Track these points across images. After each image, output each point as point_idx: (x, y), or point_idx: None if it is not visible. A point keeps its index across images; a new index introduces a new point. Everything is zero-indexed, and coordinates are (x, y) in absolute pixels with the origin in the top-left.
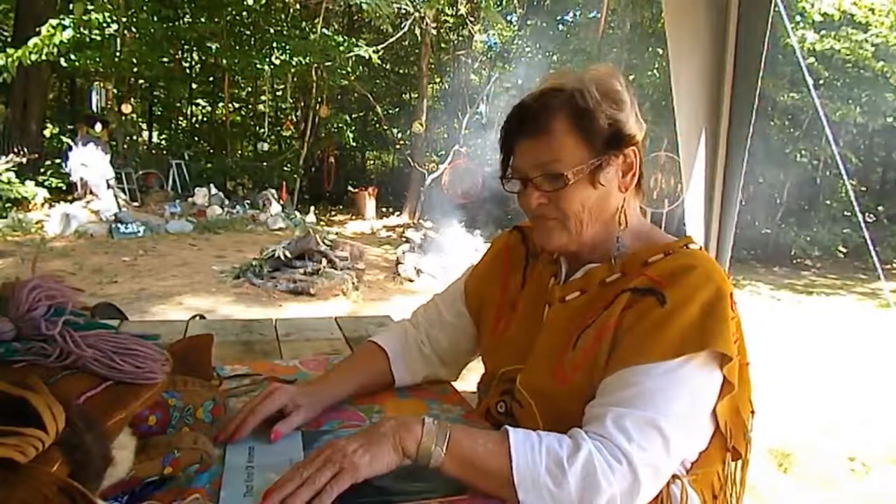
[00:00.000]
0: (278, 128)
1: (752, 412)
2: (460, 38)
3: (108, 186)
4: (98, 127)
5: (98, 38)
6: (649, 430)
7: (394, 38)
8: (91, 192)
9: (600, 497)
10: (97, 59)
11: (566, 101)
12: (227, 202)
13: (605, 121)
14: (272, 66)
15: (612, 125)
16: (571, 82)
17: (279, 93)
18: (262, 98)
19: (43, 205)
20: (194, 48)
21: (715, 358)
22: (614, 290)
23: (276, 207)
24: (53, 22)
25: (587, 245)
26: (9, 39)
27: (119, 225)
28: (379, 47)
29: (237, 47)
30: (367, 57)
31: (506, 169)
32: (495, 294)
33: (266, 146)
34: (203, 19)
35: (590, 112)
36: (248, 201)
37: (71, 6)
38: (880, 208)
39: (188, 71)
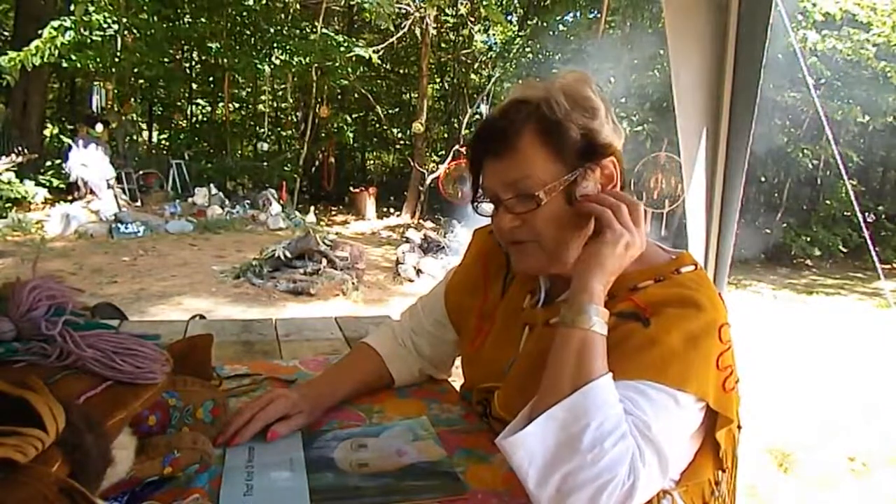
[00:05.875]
0: (278, 128)
1: (740, 427)
2: (460, 38)
3: (109, 186)
4: (98, 127)
5: (98, 38)
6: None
7: (394, 38)
8: (91, 192)
9: (613, 482)
10: (97, 60)
11: (532, 114)
12: (227, 202)
13: (577, 131)
14: (272, 66)
15: (586, 135)
16: (538, 92)
17: (279, 93)
18: (262, 98)
19: (43, 205)
20: (194, 48)
21: (692, 396)
22: None
23: (276, 207)
24: (55, 24)
25: (571, 264)
26: (9, 40)
27: (119, 225)
28: (379, 47)
29: (237, 47)
30: (367, 57)
31: (476, 190)
32: (475, 304)
33: (266, 146)
34: (203, 19)
35: (559, 123)
36: (248, 201)
37: (72, 7)
38: (880, 208)
39: (188, 71)
